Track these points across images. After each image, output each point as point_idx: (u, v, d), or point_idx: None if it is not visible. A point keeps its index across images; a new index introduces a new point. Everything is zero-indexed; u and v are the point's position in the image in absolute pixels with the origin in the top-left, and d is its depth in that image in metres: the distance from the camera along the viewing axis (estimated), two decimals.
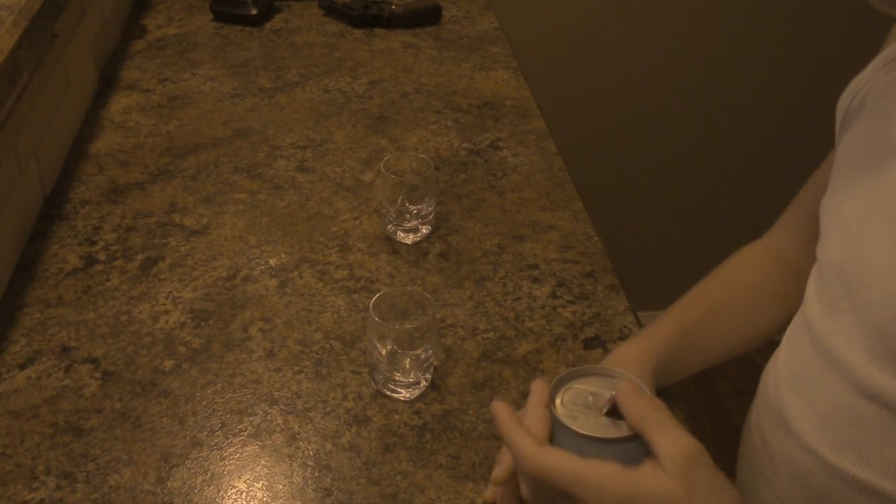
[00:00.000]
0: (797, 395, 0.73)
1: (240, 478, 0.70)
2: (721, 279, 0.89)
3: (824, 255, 0.74)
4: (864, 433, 0.67)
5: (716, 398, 2.15)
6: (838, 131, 0.76)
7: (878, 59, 0.74)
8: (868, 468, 0.67)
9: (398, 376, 0.77)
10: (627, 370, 0.66)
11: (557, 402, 0.61)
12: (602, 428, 0.59)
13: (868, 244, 0.68)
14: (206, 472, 0.71)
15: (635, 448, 0.57)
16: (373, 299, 0.77)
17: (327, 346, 0.83)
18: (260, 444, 0.73)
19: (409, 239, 0.97)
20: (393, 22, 1.48)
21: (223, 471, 0.71)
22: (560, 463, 0.57)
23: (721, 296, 0.87)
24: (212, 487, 0.70)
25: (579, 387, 0.63)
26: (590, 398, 0.62)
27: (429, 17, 1.50)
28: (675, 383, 0.81)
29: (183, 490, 0.69)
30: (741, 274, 0.89)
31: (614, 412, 0.60)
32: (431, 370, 0.79)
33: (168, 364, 0.81)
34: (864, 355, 0.66)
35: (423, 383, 0.78)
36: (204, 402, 0.77)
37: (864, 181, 0.70)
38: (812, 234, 0.78)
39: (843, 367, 0.68)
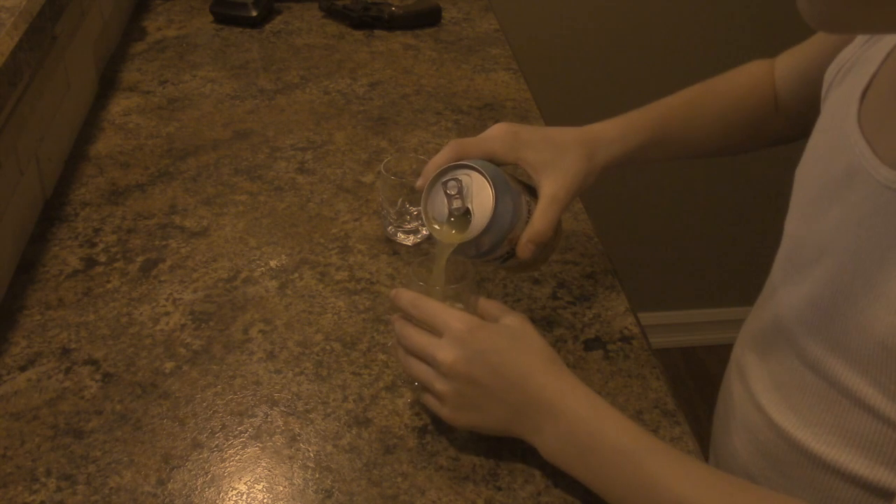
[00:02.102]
0: (755, 355, 0.80)
1: (240, 479, 0.70)
2: (714, 84, 0.94)
3: (786, 225, 0.78)
4: (804, 398, 0.72)
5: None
6: (822, 101, 0.79)
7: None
8: (806, 430, 0.71)
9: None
10: (597, 146, 0.83)
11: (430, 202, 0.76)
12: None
13: (817, 222, 0.72)
14: (206, 473, 0.71)
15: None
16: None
17: (328, 347, 0.83)
18: (260, 445, 0.73)
19: (410, 240, 0.97)
20: (393, 23, 1.48)
21: (224, 472, 0.71)
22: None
23: (705, 99, 0.92)
24: (212, 489, 0.70)
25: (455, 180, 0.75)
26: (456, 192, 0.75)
27: (429, 18, 1.50)
28: (678, 386, 0.82)
29: (183, 492, 0.69)
30: (731, 85, 0.93)
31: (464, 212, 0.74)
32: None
33: (168, 366, 0.81)
34: (805, 327, 0.71)
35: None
36: (204, 404, 0.77)
37: (823, 159, 0.74)
38: (805, 78, 0.84)
39: (789, 334, 0.73)
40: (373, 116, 1.23)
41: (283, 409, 0.77)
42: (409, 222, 0.96)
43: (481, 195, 0.73)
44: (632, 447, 0.64)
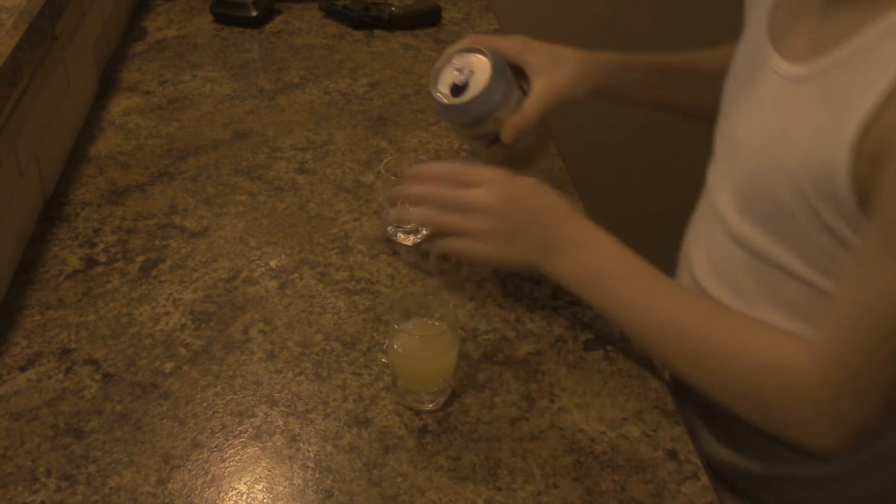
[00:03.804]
0: (696, 244, 0.92)
1: (240, 479, 0.70)
2: (714, 49, 1.03)
3: (717, 125, 0.91)
4: (738, 274, 0.84)
5: None
6: (745, 14, 0.92)
7: None
8: (741, 301, 0.83)
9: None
10: (595, 66, 0.95)
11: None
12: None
13: (738, 120, 0.85)
14: (206, 473, 0.71)
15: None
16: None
17: (328, 347, 0.83)
18: (260, 445, 0.73)
19: (410, 240, 0.97)
20: (393, 23, 1.48)
21: (224, 472, 0.71)
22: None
23: (702, 58, 1.03)
24: (212, 489, 0.70)
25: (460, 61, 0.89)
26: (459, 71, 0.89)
27: (429, 18, 1.50)
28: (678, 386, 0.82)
29: (183, 492, 0.69)
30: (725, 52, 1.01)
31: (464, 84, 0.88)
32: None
33: (168, 366, 0.81)
34: (734, 208, 0.83)
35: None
36: (204, 404, 0.77)
37: (740, 65, 0.88)
38: None
39: (722, 218, 0.85)
40: (373, 116, 1.23)
41: (283, 409, 0.77)
42: (409, 222, 0.96)
43: (480, 72, 0.88)
44: (637, 278, 0.79)
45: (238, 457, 0.72)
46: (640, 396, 0.79)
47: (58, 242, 0.97)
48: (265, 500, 0.69)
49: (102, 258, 0.95)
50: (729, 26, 2.00)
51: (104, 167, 1.11)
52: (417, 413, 0.76)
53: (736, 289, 0.84)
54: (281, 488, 0.70)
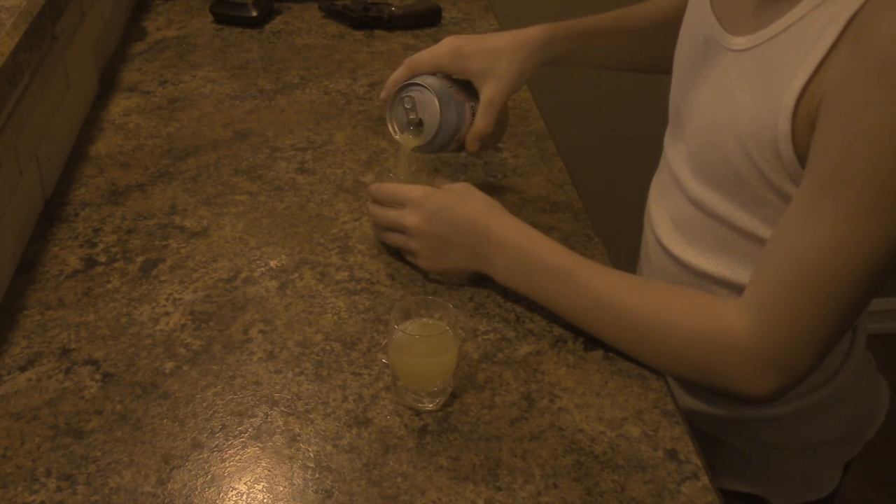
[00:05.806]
0: (657, 205, 0.98)
1: (240, 479, 0.70)
2: (640, 5, 1.08)
3: (670, 96, 0.96)
4: (695, 231, 0.90)
5: None
6: None
7: None
8: (701, 257, 0.90)
9: None
10: (529, 50, 0.98)
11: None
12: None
13: (690, 89, 0.90)
14: (206, 473, 0.71)
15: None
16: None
17: (328, 347, 0.83)
18: (260, 445, 0.73)
19: None
20: (393, 23, 1.48)
21: (224, 472, 0.71)
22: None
23: (630, 15, 1.07)
24: (212, 489, 0.70)
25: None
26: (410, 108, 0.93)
27: (429, 18, 1.50)
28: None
29: (183, 492, 0.69)
30: (655, 5, 1.08)
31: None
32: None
33: (168, 366, 0.81)
34: (690, 173, 0.89)
35: None
36: (204, 404, 0.77)
37: (689, 37, 0.92)
38: None
39: (680, 182, 0.91)
40: (373, 116, 1.23)
41: (283, 409, 0.77)
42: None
43: (430, 108, 0.92)
44: (561, 263, 0.82)
45: (238, 457, 0.72)
46: (640, 396, 0.79)
47: (58, 242, 0.97)
48: (265, 500, 0.69)
49: (102, 258, 0.95)
50: None
51: (104, 167, 1.11)
52: (417, 413, 0.76)
53: (696, 246, 0.90)
54: (281, 488, 0.70)
